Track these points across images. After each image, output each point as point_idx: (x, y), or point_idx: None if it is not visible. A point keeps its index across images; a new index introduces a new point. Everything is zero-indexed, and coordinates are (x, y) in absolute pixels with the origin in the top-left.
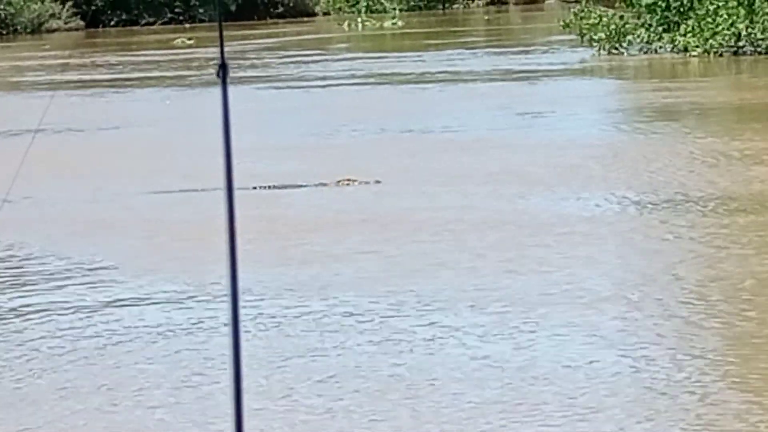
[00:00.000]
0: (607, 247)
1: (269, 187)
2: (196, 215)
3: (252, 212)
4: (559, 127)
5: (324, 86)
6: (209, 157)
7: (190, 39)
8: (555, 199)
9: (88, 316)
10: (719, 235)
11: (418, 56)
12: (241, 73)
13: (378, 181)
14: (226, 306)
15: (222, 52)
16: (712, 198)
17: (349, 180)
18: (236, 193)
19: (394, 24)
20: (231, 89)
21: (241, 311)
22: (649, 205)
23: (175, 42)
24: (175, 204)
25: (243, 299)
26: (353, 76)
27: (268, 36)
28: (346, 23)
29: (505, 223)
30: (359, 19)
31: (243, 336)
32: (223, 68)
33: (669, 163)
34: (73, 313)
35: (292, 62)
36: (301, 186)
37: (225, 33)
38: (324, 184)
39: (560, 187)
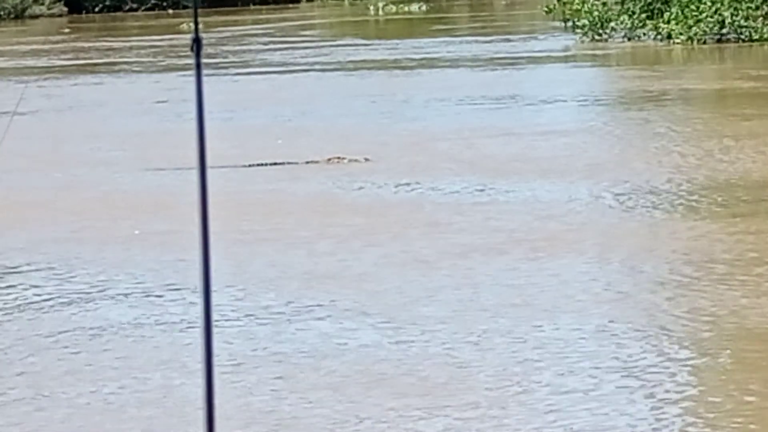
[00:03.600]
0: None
1: (261, 164)
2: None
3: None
4: (539, 113)
5: (321, 71)
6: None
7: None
8: (508, 185)
9: None
10: (688, 218)
11: (430, 42)
12: (248, 57)
13: (367, 159)
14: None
15: (196, 27)
16: (683, 183)
17: (338, 158)
18: (224, 171)
19: (419, 8)
20: (230, 75)
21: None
22: (617, 191)
23: (181, 26)
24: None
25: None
26: (348, 62)
27: (271, 21)
28: (371, 7)
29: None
30: (380, 4)
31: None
32: (197, 42)
33: (643, 149)
34: None
35: (305, 48)
36: (291, 164)
37: (216, 19)
38: (315, 162)
39: (529, 174)
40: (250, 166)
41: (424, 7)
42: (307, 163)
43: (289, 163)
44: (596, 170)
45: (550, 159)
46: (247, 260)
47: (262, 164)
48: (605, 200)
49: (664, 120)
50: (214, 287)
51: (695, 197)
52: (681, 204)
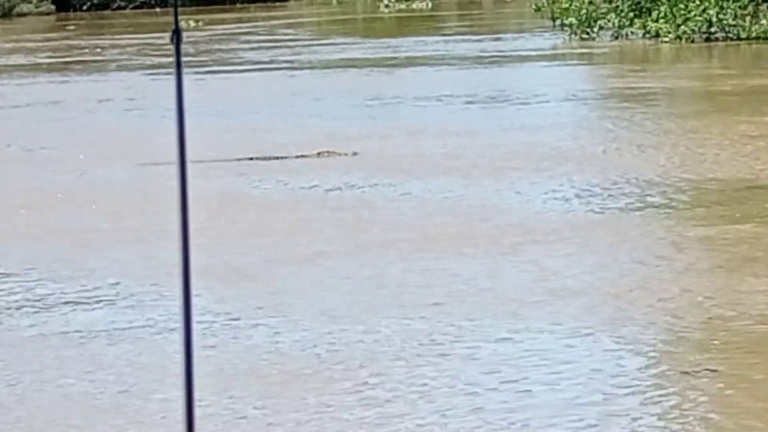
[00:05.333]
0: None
1: (251, 158)
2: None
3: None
4: (527, 111)
5: (310, 69)
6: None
7: (197, 21)
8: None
9: None
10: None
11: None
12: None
13: (355, 153)
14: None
15: (176, 18)
16: (666, 182)
17: (328, 152)
18: (214, 165)
19: (426, 6)
20: (226, 74)
21: None
22: (603, 190)
23: (181, 24)
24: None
25: None
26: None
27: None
28: (383, 4)
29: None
30: (387, 1)
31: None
32: (176, 34)
33: (628, 147)
34: None
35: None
36: (281, 158)
37: (211, 17)
38: (304, 156)
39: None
40: (239, 160)
41: (429, 5)
42: (297, 157)
43: (279, 157)
44: (557, 167)
45: (509, 157)
46: (132, 253)
47: (251, 158)
48: (564, 196)
49: (639, 117)
50: (87, 281)
51: (627, 195)
52: (622, 201)
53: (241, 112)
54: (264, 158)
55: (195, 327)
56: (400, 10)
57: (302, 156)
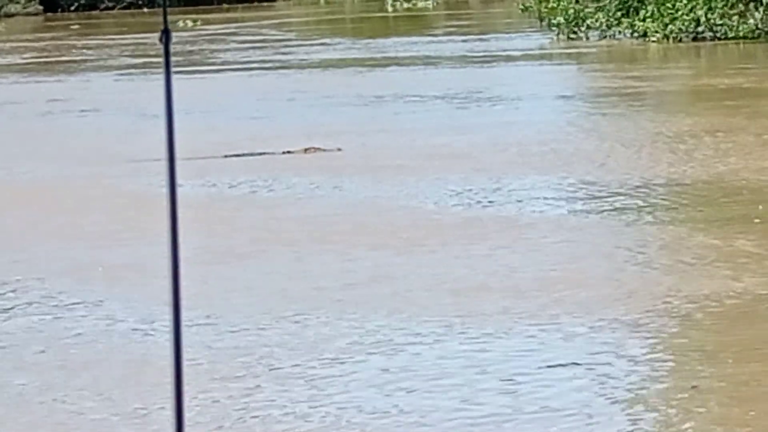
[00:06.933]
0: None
1: (240, 155)
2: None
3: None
4: (513, 111)
5: (308, 67)
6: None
7: (195, 21)
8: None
9: None
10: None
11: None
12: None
13: (339, 149)
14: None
15: (165, 18)
16: (650, 181)
17: (315, 148)
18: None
19: (431, 6)
20: (227, 72)
21: None
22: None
23: (178, 23)
24: None
25: None
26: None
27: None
28: (389, 3)
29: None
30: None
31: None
32: (166, 33)
33: (618, 147)
34: None
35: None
36: (267, 154)
37: (203, 16)
38: (290, 152)
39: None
40: (225, 157)
41: (432, 4)
42: (283, 153)
43: (267, 153)
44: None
45: (465, 157)
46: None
47: (240, 155)
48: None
49: (641, 117)
50: None
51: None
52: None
53: (227, 110)
54: (249, 154)
55: (102, 327)
56: (406, 10)
57: (288, 152)
